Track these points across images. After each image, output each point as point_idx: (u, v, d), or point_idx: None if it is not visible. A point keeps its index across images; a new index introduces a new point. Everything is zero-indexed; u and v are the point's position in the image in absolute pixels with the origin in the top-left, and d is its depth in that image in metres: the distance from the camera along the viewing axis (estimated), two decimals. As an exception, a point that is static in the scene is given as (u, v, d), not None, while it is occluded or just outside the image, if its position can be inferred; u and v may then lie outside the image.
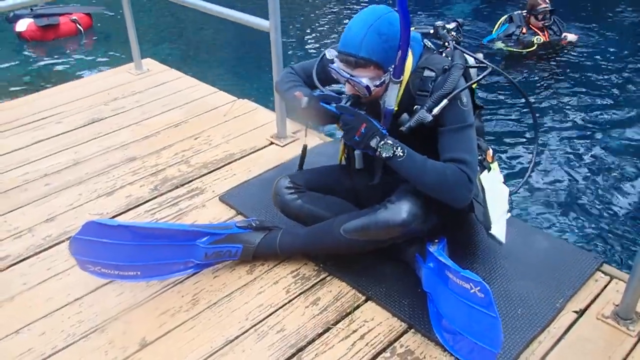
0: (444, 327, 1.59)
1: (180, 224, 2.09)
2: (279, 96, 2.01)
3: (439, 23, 1.85)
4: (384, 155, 1.64)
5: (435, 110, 1.63)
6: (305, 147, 2.00)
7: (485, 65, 1.75)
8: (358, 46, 1.60)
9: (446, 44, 1.77)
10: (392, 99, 1.67)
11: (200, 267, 1.89)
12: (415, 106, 1.67)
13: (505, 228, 1.83)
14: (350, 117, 1.66)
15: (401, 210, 1.66)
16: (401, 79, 1.64)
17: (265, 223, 1.94)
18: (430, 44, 1.79)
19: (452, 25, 1.82)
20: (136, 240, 1.77)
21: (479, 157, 1.77)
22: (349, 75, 1.65)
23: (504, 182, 1.93)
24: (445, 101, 1.63)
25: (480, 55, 1.77)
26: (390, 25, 1.60)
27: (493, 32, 5.66)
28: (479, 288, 1.41)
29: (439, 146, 1.68)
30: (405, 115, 1.67)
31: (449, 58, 1.72)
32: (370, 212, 1.73)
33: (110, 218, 2.17)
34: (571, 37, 5.60)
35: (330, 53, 1.71)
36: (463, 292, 1.47)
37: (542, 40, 5.44)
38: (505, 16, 5.66)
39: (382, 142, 1.64)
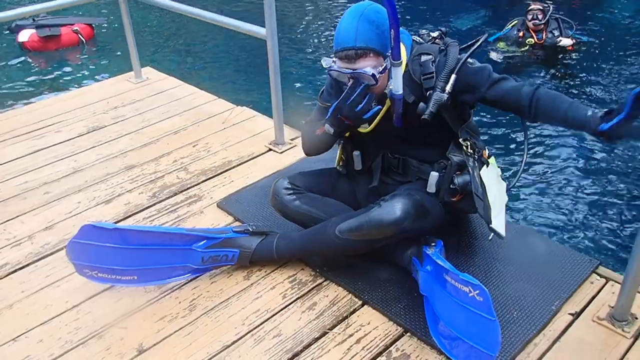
0: (440, 330, 1.59)
1: (177, 228, 2.10)
2: (311, 153, 1.99)
3: (423, 31, 1.88)
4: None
5: (448, 87, 1.66)
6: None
7: (477, 39, 1.78)
8: (353, 38, 1.62)
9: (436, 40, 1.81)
10: (398, 85, 1.67)
11: (197, 272, 1.89)
12: (428, 92, 1.69)
13: (504, 221, 1.83)
14: (356, 94, 1.68)
15: (394, 208, 1.68)
16: (400, 60, 1.64)
17: (262, 228, 1.95)
18: (419, 38, 1.82)
19: (436, 34, 1.85)
20: (133, 243, 1.79)
21: (477, 154, 1.79)
22: (351, 71, 1.66)
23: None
24: (453, 76, 1.66)
25: None
26: (377, 13, 1.64)
27: (500, 32, 5.82)
28: (477, 291, 1.41)
29: (504, 107, 1.70)
30: (422, 104, 1.69)
31: (440, 45, 1.75)
32: (364, 212, 1.74)
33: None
34: (565, 41, 5.57)
35: (325, 62, 1.72)
36: (461, 295, 1.47)
37: (532, 42, 5.55)
38: (515, 20, 5.79)
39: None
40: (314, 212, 1.89)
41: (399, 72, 1.65)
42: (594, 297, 1.77)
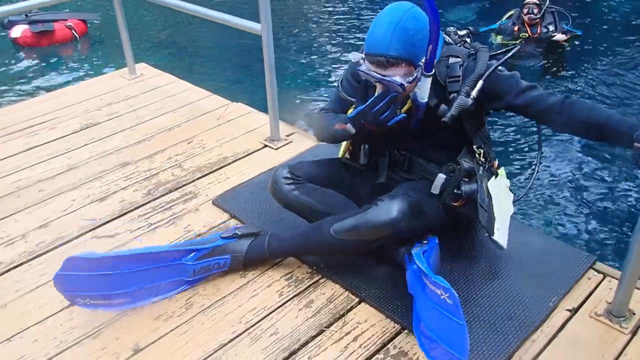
0: (422, 330, 1.57)
1: (162, 246, 1.92)
2: (323, 141, 1.99)
3: (450, 29, 1.86)
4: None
5: (474, 93, 1.63)
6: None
7: (509, 48, 1.77)
8: (387, 46, 1.58)
9: (464, 41, 1.79)
10: (424, 93, 1.65)
11: (191, 284, 1.84)
12: (452, 95, 1.67)
13: (507, 233, 1.80)
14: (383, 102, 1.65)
15: (391, 209, 1.66)
16: (432, 72, 1.62)
17: (250, 229, 1.90)
18: (449, 38, 1.79)
19: (463, 32, 1.83)
20: (121, 268, 1.72)
21: (488, 164, 1.78)
22: (380, 77, 1.62)
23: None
24: (481, 82, 1.63)
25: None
26: (415, 20, 1.59)
27: (494, 24, 5.86)
28: (448, 295, 1.40)
29: (531, 115, 1.68)
30: (443, 107, 1.67)
31: (469, 49, 1.73)
32: (360, 212, 1.73)
33: (105, 223, 2.17)
34: (559, 36, 5.60)
35: (354, 56, 1.68)
36: (435, 297, 1.46)
37: (526, 36, 5.58)
38: (513, 11, 5.82)
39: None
40: (313, 203, 1.87)
41: (428, 82, 1.63)
42: (591, 293, 1.77)
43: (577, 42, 5.77)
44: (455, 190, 1.74)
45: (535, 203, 3.50)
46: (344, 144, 2.00)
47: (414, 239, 1.77)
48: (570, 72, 5.36)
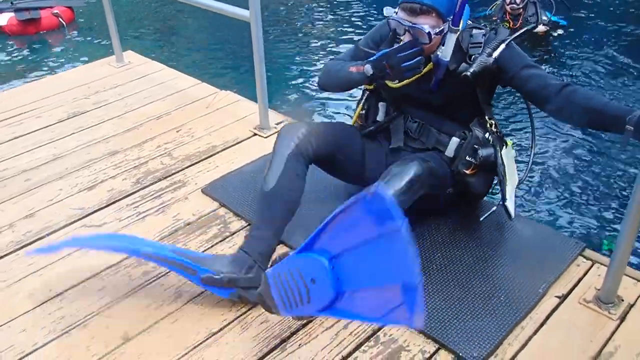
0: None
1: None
2: (327, 88, 1.96)
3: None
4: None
5: (495, 53, 1.72)
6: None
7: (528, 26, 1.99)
8: None
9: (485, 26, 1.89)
10: (448, 51, 1.73)
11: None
12: (473, 57, 1.75)
13: (514, 203, 1.88)
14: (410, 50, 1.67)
15: (409, 167, 1.66)
16: (459, 28, 1.70)
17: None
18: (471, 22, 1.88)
19: None
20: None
21: (499, 134, 1.87)
22: (410, 24, 1.68)
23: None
24: (502, 45, 1.73)
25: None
26: None
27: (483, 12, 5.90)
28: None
29: (530, 90, 1.74)
30: (464, 65, 1.75)
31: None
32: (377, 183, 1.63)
33: (93, 212, 2.15)
34: (539, 27, 5.59)
35: (387, 10, 1.76)
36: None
37: (507, 26, 5.57)
38: (498, 1, 5.85)
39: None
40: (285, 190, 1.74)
41: (453, 39, 1.71)
42: (580, 280, 1.78)
43: (561, 32, 5.76)
44: (467, 157, 1.80)
45: (525, 191, 3.52)
46: (356, 111, 2.04)
47: None
48: (551, 62, 5.36)
